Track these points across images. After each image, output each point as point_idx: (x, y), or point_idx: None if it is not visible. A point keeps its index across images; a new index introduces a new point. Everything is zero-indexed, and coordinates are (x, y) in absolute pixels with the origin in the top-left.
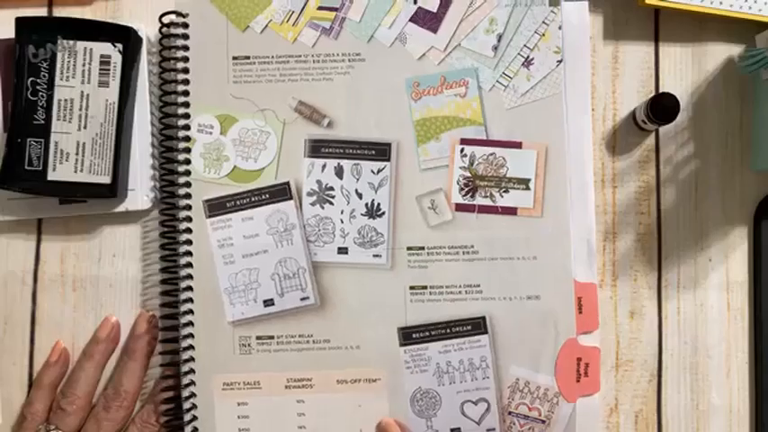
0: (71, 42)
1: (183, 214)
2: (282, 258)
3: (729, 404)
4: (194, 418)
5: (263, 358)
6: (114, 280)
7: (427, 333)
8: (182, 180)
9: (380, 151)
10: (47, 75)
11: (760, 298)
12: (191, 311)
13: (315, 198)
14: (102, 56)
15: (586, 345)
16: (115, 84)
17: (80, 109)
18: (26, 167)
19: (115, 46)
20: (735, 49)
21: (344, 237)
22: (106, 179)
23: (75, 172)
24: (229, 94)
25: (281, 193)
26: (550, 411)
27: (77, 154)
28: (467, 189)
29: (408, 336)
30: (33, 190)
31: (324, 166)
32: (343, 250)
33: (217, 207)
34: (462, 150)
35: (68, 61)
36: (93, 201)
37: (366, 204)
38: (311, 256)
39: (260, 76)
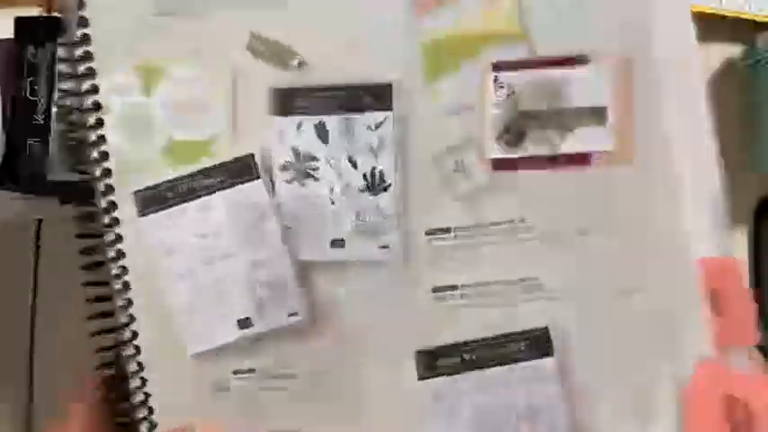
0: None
1: (105, 218)
2: (257, 262)
3: None
4: None
5: (242, 402)
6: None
7: (458, 358)
8: (97, 169)
9: (377, 96)
10: (46, 75)
11: (761, 298)
12: (136, 351)
13: (292, 173)
14: None
15: (740, 369)
16: None
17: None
18: (25, 167)
19: None
20: (736, 50)
21: (338, 224)
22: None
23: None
24: (150, 31)
25: (242, 171)
26: None
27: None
28: (509, 136)
29: (431, 364)
30: (33, 190)
31: (299, 126)
32: (337, 242)
33: (153, 200)
34: (497, 80)
35: None
36: (92, 201)
37: (364, 175)
38: (296, 255)
39: (194, 1)
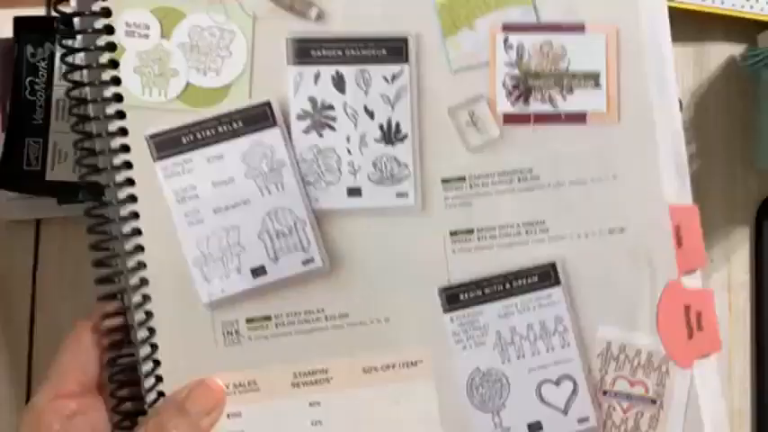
0: (70, 42)
1: (118, 160)
2: (272, 210)
3: (731, 406)
4: None
5: (259, 348)
6: None
7: (480, 292)
8: (110, 110)
9: (394, 50)
10: (45, 74)
11: (762, 299)
12: (146, 299)
13: (309, 122)
14: None
15: (693, 287)
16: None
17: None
18: (24, 167)
19: None
20: (736, 49)
21: (355, 173)
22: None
23: (75, 172)
24: None
25: (259, 118)
26: (660, 384)
27: (76, 154)
28: (517, 93)
29: (454, 298)
30: (32, 190)
31: (317, 77)
32: (354, 191)
33: (168, 144)
34: (507, 40)
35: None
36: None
37: (381, 126)
38: (312, 204)
39: None
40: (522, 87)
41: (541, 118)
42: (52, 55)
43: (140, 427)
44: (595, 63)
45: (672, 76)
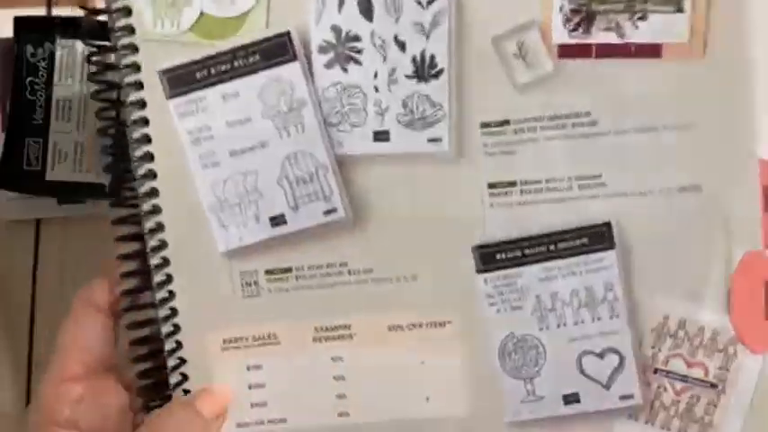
0: (69, 42)
1: (133, 96)
2: (291, 153)
3: None
4: (185, 394)
5: (279, 301)
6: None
7: (519, 252)
8: (123, 41)
9: None
10: (45, 74)
11: None
12: (162, 245)
13: (332, 56)
14: None
15: None
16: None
17: (79, 109)
18: (24, 167)
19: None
20: None
21: (382, 114)
22: (105, 179)
23: (74, 172)
24: None
25: (277, 50)
26: (724, 368)
27: (76, 154)
28: (577, 19)
29: (490, 257)
30: (32, 190)
31: (341, 3)
32: (381, 135)
33: (181, 80)
34: None
35: (67, 61)
36: (91, 201)
37: (413, 58)
38: (334, 148)
39: None
40: (584, 12)
41: (605, 50)
42: (52, 55)
43: (154, 415)
44: None
45: None
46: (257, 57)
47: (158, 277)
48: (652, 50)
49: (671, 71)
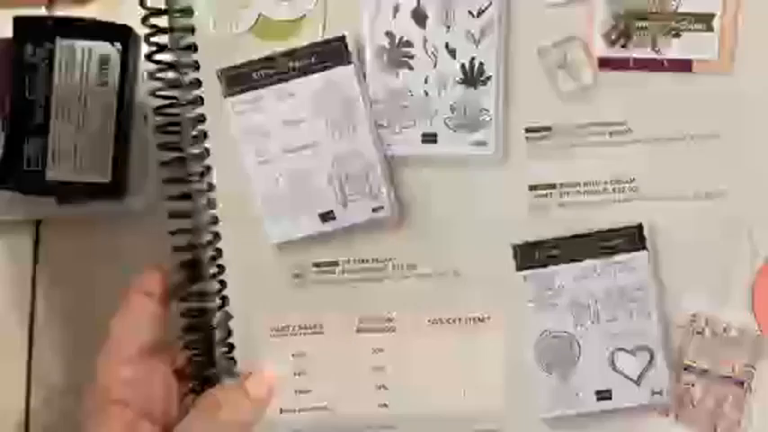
0: (69, 42)
1: (190, 94)
2: (342, 153)
3: None
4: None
5: (325, 292)
6: (114, 281)
7: (557, 251)
8: (183, 41)
9: None
10: (45, 74)
11: None
12: (216, 236)
13: (385, 60)
14: (100, 55)
15: None
16: (114, 83)
17: (79, 109)
18: (24, 167)
19: (114, 45)
20: None
21: (432, 117)
22: (105, 179)
23: (74, 172)
24: None
25: (334, 54)
26: (750, 366)
27: (76, 154)
28: (616, 35)
29: (530, 256)
30: (32, 190)
31: (396, 10)
32: (429, 137)
33: (239, 80)
34: None
35: (67, 61)
36: (92, 201)
37: (463, 65)
38: (384, 149)
39: None
40: (623, 29)
41: (641, 64)
42: (52, 55)
43: (206, 395)
44: (710, 3)
45: None
46: (313, 59)
47: (211, 268)
48: (683, 65)
49: (701, 84)
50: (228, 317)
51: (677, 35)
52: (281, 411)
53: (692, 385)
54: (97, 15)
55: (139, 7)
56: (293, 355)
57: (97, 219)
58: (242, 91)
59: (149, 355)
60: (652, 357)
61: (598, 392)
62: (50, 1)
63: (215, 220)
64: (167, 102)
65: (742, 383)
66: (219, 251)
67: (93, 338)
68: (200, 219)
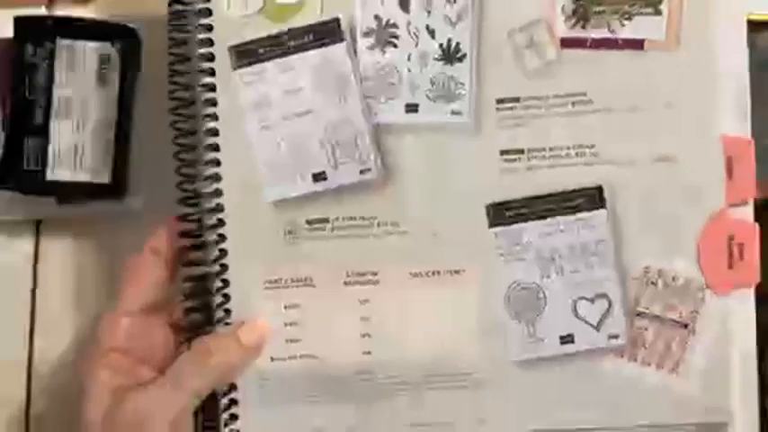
0: (69, 42)
1: (204, 65)
2: (335, 121)
3: None
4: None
5: (316, 248)
6: (114, 281)
7: (525, 210)
8: (201, 21)
9: None
10: (45, 74)
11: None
12: (218, 193)
13: (373, 40)
14: (100, 55)
15: (739, 218)
16: (114, 83)
17: (79, 109)
18: (24, 167)
19: (114, 45)
20: None
21: (414, 90)
22: (105, 179)
23: (74, 172)
24: None
25: (329, 33)
26: (695, 311)
27: (76, 154)
28: (576, 17)
29: (500, 214)
30: (32, 190)
31: None
32: (412, 107)
33: (247, 54)
34: None
35: (67, 61)
36: (92, 201)
37: (441, 45)
38: (372, 118)
39: None
40: (582, 12)
41: (598, 43)
42: (52, 55)
43: (199, 340)
44: None
45: (742, 5)
46: (311, 37)
47: (211, 221)
48: (636, 44)
49: (651, 60)
50: (225, 268)
51: (629, 18)
52: (272, 359)
53: (645, 329)
54: (97, 15)
55: None
56: (285, 306)
57: (97, 219)
58: (249, 64)
59: (151, 310)
60: (610, 305)
61: (562, 337)
62: (50, 1)
63: (217, 177)
64: (181, 73)
65: (686, 326)
66: (219, 206)
67: (93, 338)
68: (205, 173)
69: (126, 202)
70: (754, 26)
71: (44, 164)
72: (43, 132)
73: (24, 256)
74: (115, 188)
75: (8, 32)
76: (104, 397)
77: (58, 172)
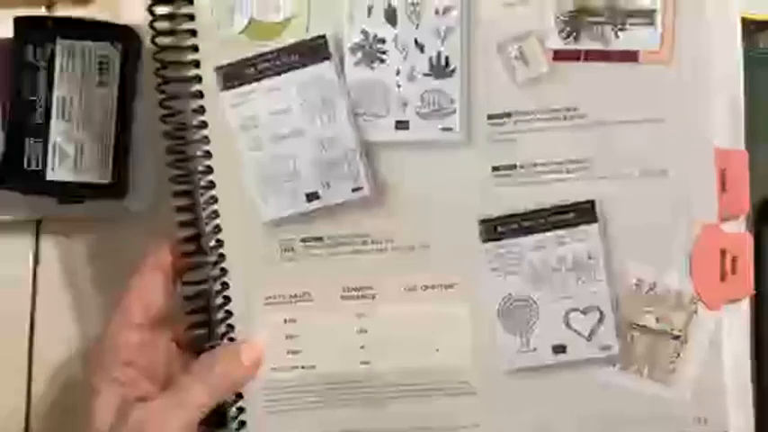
0: (69, 42)
1: (192, 88)
2: (324, 139)
3: None
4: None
5: (312, 265)
6: (114, 281)
7: (517, 225)
8: (188, 41)
9: None
10: (45, 74)
11: (762, 307)
12: (215, 215)
13: (360, 55)
14: (100, 55)
15: (732, 232)
16: (114, 83)
17: (79, 109)
18: (25, 167)
19: (114, 45)
20: None
21: (403, 106)
22: (106, 179)
23: (75, 172)
24: None
25: (315, 51)
26: (686, 323)
27: (77, 154)
28: (568, 29)
29: (492, 229)
30: (32, 190)
31: (370, 9)
32: (402, 124)
33: (233, 76)
34: None
35: (67, 61)
36: (92, 201)
37: (430, 59)
38: (362, 135)
39: None
40: (575, 23)
41: (592, 55)
42: (52, 55)
43: (202, 357)
44: (651, 1)
45: (736, 17)
46: (297, 56)
47: (211, 242)
48: (630, 56)
49: (646, 73)
50: (226, 286)
51: (623, 29)
52: (273, 370)
53: (637, 340)
54: (97, 15)
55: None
56: (285, 320)
57: (97, 219)
58: (236, 86)
59: (155, 323)
60: (601, 316)
61: (554, 347)
62: (50, 1)
63: (214, 200)
64: (168, 96)
65: (677, 337)
66: (218, 227)
67: (93, 338)
68: (201, 198)
69: (126, 202)
70: (755, 26)
71: (44, 164)
72: (43, 132)
73: (24, 256)
74: (115, 188)
75: (8, 32)
76: (110, 409)
77: (58, 172)
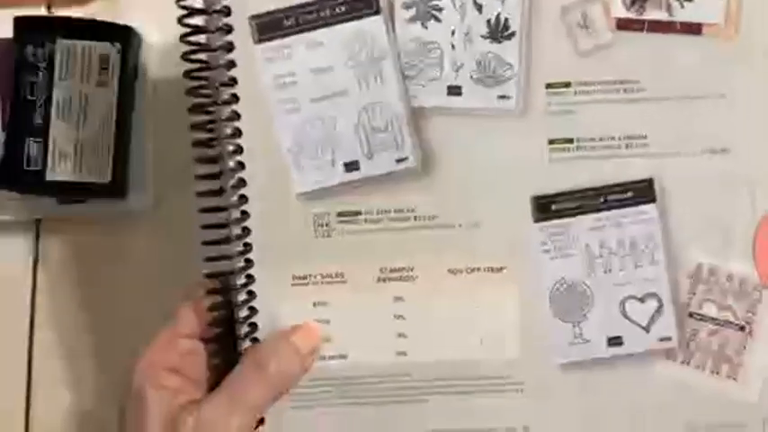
0: (69, 42)
1: (221, 40)
2: (369, 103)
3: None
4: (253, 328)
5: (348, 242)
6: (114, 281)
7: (572, 204)
8: None
9: None
10: (45, 74)
11: None
12: (242, 183)
13: (414, 12)
14: (100, 55)
15: None
16: (114, 83)
17: (79, 109)
18: (25, 167)
19: (114, 45)
20: None
21: (457, 70)
22: (105, 179)
23: (75, 172)
24: None
25: (363, 3)
26: (751, 312)
27: (76, 154)
28: None
29: (546, 207)
30: (32, 190)
31: None
32: (454, 90)
33: (270, 27)
34: None
35: (67, 61)
36: (92, 201)
37: (488, 21)
38: (410, 100)
39: None
40: None
41: (655, 25)
42: (52, 55)
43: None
44: None
45: None
46: (343, 8)
47: (236, 214)
48: (694, 28)
49: (709, 47)
50: (250, 263)
51: (690, 0)
52: None
53: (699, 331)
54: (97, 15)
55: None
56: (315, 304)
57: (97, 219)
58: (273, 38)
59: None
60: (660, 305)
61: (609, 339)
62: (50, 1)
63: (241, 165)
64: (196, 47)
65: (743, 328)
66: (244, 197)
67: (93, 338)
68: (227, 163)
69: (126, 201)
70: None
71: (44, 164)
72: (43, 132)
73: (24, 256)
74: (115, 188)
75: (8, 32)
76: (158, 416)
77: (58, 172)
